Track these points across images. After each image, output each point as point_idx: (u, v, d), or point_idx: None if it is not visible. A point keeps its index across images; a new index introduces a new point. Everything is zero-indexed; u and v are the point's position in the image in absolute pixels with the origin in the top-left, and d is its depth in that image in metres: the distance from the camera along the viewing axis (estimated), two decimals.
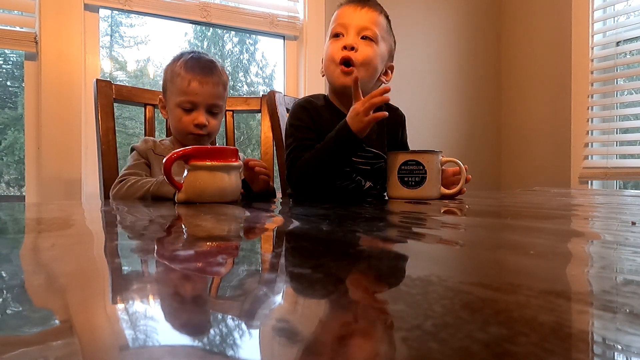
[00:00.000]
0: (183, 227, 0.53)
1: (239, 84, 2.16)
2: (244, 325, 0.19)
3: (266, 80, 2.18)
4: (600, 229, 0.51)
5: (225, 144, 1.40)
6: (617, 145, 2.13)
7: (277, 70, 2.14)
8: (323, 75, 1.13)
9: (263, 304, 0.22)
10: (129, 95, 1.28)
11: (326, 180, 1.02)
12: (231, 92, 1.20)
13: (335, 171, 1.01)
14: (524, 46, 2.44)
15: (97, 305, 0.22)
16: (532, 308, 0.20)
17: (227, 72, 1.20)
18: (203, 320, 0.20)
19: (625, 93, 2.17)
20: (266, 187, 1.02)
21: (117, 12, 1.83)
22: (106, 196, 1.17)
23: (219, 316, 0.20)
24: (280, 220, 0.62)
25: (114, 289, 0.25)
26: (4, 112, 1.77)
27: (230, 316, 0.20)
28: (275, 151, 1.41)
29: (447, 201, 0.89)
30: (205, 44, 2.14)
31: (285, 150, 1.10)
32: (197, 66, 1.10)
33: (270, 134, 1.40)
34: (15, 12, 1.64)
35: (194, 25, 2.01)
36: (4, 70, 1.85)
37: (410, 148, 1.23)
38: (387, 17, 1.12)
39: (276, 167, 1.43)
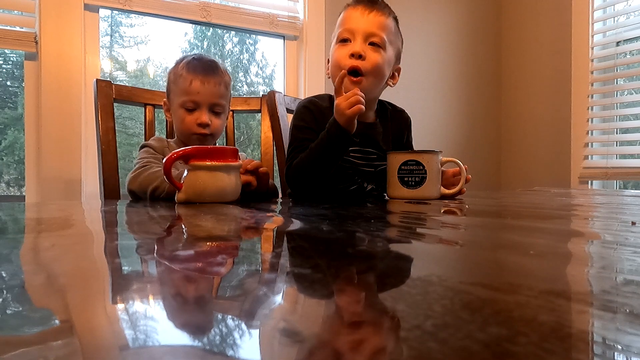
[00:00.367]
0: (183, 227, 0.53)
1: (239, 84, 2.16)
2: (244, 325, 0.19)
3: (266, 80, 2.18)
4: (600, 229, 0.51)
5: (225, 144, 1.40)
6: (617, 145, 2.13)
7: (277, 70, 2.14)
8: (329, 77, 1.13)
9: (263, 304, 0.22)
10: (129, 95, 1.28)
11: (322, 178, 1.02)
12: (231, 92, 1.20)
13: (330, 168, 1.01)
14: (524, 46, 2.44)
15: (97, 305, 0.22)
16: (532, 308, 0.20)
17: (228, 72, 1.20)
18: (203, 320, 0.20)
19: (625, 93, 2.17)
20: (267, 185, 1.02)
21: (117, 12, 1.83)
22: (106, 196, 1.17)
23: (219, 316, 0.20)
24: (280, 220, 0.62)
25: (114, 289, 0.25)
26: (4, 112, 1.77)
27: (230, 316, 0.20)
28: (275, 151, 1.41)
29: (447, 201, 0.89)
30: (205, 44, 2.14)
31: (286, 151, 1.10)
32: (198, 66, 1.11)
33: (270, 134, 1.40)
34: (15, 12, 1.64)
35: (194, 25, 2.01)
36: (4, 70, 1.85)
37: None
38: (395, 19, 1.10)
39: (276, 167, 1.43)
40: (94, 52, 1.69)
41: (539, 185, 2.27)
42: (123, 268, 0.30)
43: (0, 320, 0.20)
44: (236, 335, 0.18)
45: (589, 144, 2.19)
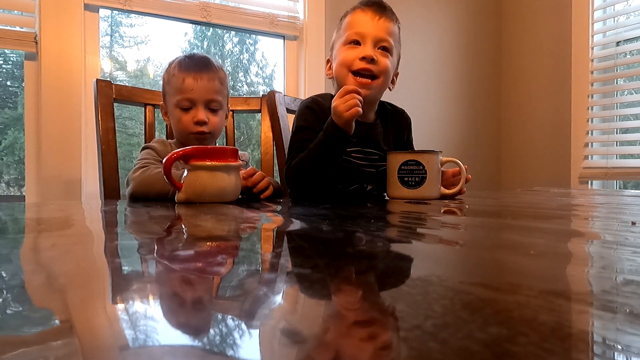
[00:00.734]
0: (183, 227, 0.53)
1: (239, 84, 2.16)
2: (244, 325, 0.19)
3: (266, 80, 2.18)
4: (600, 229, 0.51)
5: (225, 144, 1.40)
6: (617, 145, 2.13)
7: (277, 70, 2.14)
8: (330, 77, 1.13)
9: (263, 304, 0.22)
10: (129, 95, 1.28)
11: (320, 178, 1.02)
12: (231, 92, 1.20)
13: (329, 169, 1.01)
14: (524, 46, 2.44)
15: (97, 305, 0.22)
16: (532, 308, 0.20)
17: (227, 72, 1.19)
18: (203, 320, 0.20)
19: (625, 93, 2.17)
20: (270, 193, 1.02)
21: (117, 12, 1.83)
22: (106, 196, 1.17)
23: (219, 316, 0.20)
24: (280, 220, 0.62)
25: (114, 289, 0.25)
26: (4, 112, 1.77)
27: (230, 316, 0.20)
28: (275, 151, 1.41)
29: (447, 201, 0.89)
30: (205, 44, 2.14)
31: (287, 151, 1.10)
32: (190, 63, 1.10)
33: (270, 134, 1.40)
34: (15, 12, 1.64)
35: (194, 25, 2.01)
36: (4, 70, 1.85)
37: None
38: (399, 26, 1.12)
39: (276, 167, 1.43)
40: (94, 52, 1.69)
41: (539, 185, 2.27)
42: (123, 268, 0.30)
43: (0, 320, 0.20)
44: (236, 335, 0.18)
45: (589, 144, 2.19)
